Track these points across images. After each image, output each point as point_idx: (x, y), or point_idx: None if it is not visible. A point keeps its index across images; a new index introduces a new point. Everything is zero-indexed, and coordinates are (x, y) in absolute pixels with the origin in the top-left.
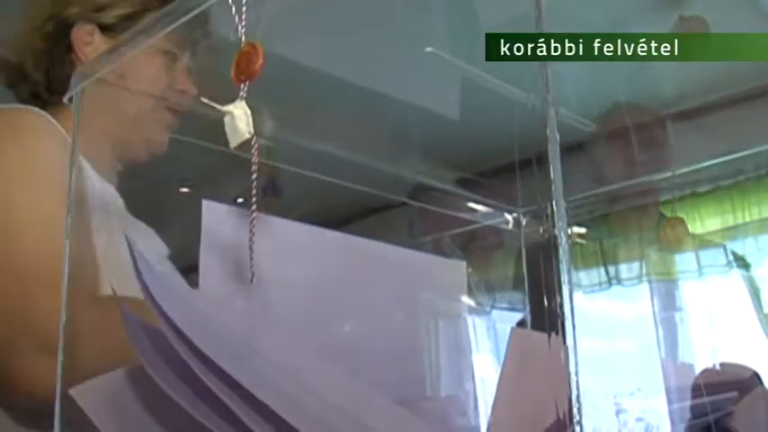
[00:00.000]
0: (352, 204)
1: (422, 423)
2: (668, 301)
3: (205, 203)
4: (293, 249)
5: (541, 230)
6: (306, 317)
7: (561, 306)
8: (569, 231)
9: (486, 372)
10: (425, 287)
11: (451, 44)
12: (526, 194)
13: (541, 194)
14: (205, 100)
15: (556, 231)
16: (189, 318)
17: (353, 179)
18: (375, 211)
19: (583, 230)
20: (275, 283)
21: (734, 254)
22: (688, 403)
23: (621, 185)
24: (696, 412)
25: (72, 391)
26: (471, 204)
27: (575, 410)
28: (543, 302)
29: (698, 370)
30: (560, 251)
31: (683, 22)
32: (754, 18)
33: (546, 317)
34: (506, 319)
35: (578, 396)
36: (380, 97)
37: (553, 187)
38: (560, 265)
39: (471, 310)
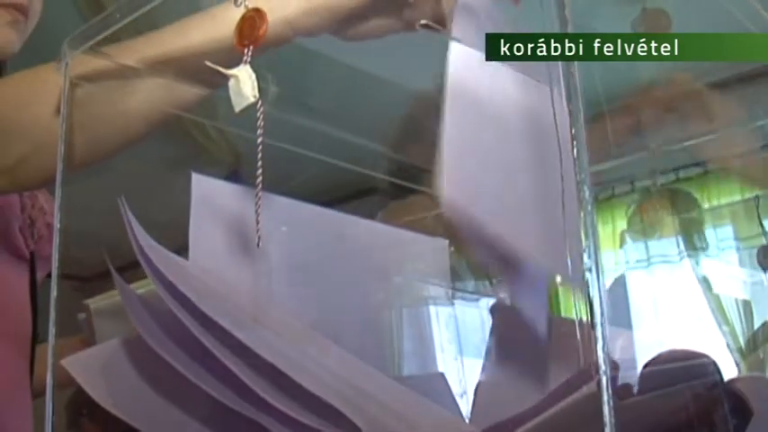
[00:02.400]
0: (324, 188)
1: (416, 396)
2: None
3: (195, 177)
4: (283, 223)
5: None
6: (293, 288)
7: (589, 288)
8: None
9: (465, 349)
10: (408, 265)
11: None
12: None
13: None
14: (209, 64)
15: (582, 216)
16: (185, 281)
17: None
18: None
19: None
20: (267, 255)
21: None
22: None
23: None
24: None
25: (63, 362)
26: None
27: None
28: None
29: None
30: (587, 233)
31: (646, 16)
32: (714, 12)
33: (575, 301)
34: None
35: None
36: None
37: (583, 191)
38: (588, 245)
39: (453, 289)
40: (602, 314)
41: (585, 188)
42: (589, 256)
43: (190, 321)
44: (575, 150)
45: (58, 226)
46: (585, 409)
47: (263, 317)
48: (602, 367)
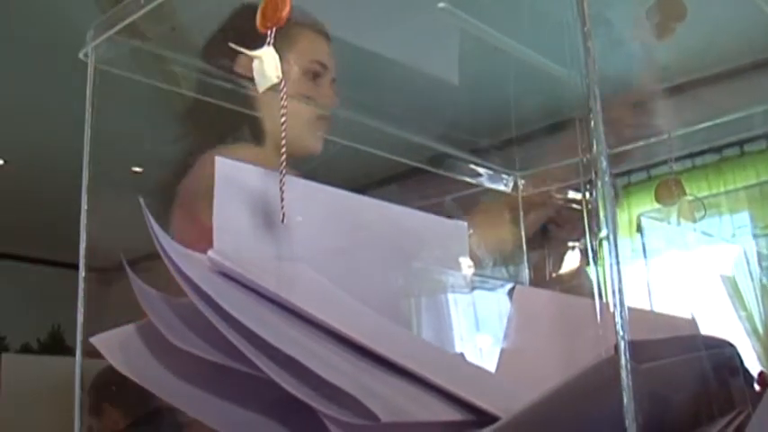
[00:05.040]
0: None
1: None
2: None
3: (218, 159)
4: (306, 205)
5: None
6: (316, 269)
7: (611, 268)
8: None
9: (483, 331)
10: (427, 247)
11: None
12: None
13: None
14: (233, 45)
15: (599, 186)
16: (205, 277)
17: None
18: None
19: (578, 196)
20: (291, 233)
21: None
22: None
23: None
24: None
25: (92, 339)
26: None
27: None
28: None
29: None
30: (604, 203)
31: (661, 4)
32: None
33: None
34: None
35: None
36: (382, 61)
37: (601, 161)
38: (605, 215)
39: (471, 271)
40: (618, 280)
41: (602, 159)
42: (606, 225)
43: (211, 315)
44: (591, 122)
45: (84, 221)
46: (604, 373)
47: (297, 291)
48: (620, 332)
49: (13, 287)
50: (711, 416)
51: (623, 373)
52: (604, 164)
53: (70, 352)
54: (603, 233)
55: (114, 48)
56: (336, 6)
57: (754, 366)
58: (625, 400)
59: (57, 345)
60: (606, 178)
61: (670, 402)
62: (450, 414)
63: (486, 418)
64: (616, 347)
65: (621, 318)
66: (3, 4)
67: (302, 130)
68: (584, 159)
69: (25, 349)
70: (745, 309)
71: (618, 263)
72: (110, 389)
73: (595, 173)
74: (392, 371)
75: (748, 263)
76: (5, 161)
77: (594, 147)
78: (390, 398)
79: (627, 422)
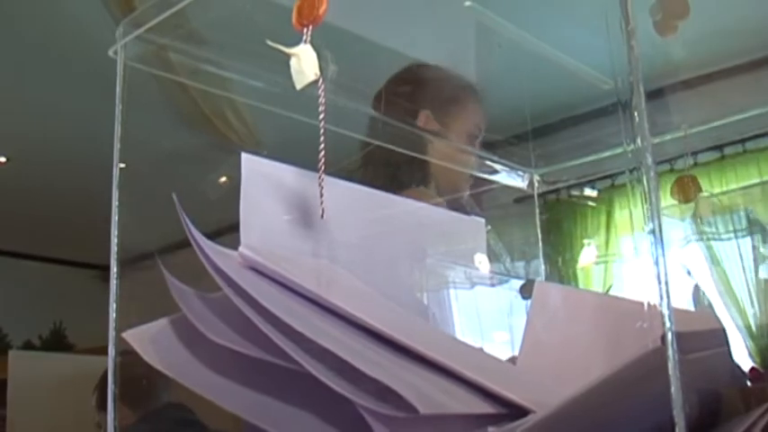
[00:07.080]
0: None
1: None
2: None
3: (244, 156)
4: (331, 202)
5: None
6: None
7: (657, 261)
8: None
9: (501, 325)
10: (447, 243)
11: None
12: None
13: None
14: (270, 42)
15: (645, 181)
16: (242, 275)
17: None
18: None
19: (594, 193)
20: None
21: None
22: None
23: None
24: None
25: (124, 334)
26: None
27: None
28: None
29: None
30: (650, 198)
31: (663, 2)
32: None
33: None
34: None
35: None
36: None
37: (646, 157)
38: (651, 210)
39: (490, 267)
40: (664, 273)
41: (648, 155)
42: (652, 220)
43: (247, 309)
44: (636, 119)
45: (116, 219)
46: (650, 364)
47: (327, 286)
48: (667, 323)
49: (16, 284)
50: (748, 406)
51: (670, 364)
52: (649, 159)
53: (72, 349)
54: (649, 226)
55: (142, 46)
56: (359, 2)
57: (744, 362)
58: (672, 391)
59: (58, 342)
60: (651, 173)
61: (710, 392)
62: (484, 407)
63: (516, 410)
64: (663, 338)
65: (668, 309)
66: (3, 1)
67: (459, 178)
68: (629, 152)
69: (27, 346)
70: (737, 304)
71: (663, 255)
72: (120, 386)
73: (642, 168)
74: (424, 365)
75: (742, 259)
76: (8, 158)
77: (639, 142)
78: (427, 391)
79: (674, 412)
